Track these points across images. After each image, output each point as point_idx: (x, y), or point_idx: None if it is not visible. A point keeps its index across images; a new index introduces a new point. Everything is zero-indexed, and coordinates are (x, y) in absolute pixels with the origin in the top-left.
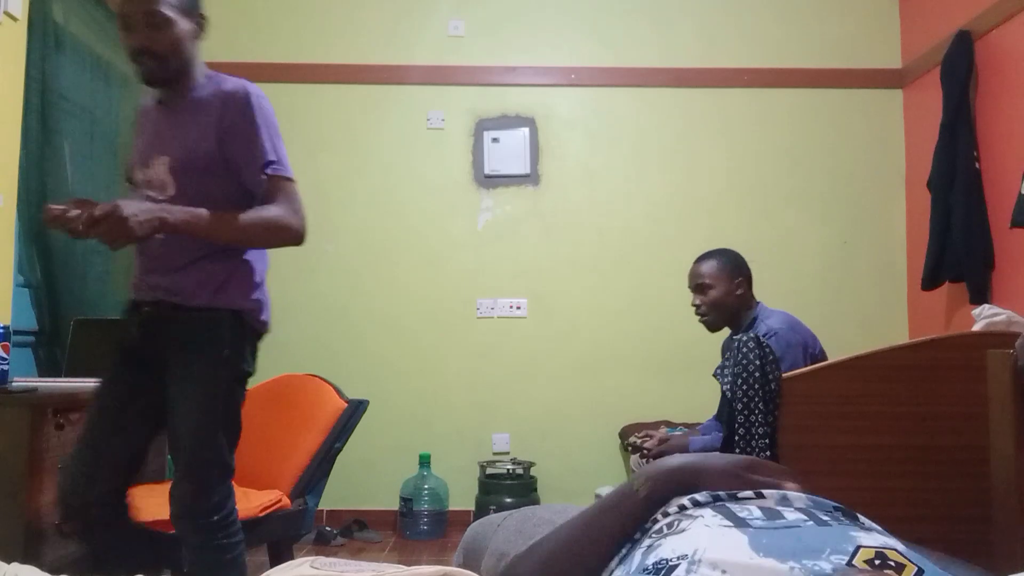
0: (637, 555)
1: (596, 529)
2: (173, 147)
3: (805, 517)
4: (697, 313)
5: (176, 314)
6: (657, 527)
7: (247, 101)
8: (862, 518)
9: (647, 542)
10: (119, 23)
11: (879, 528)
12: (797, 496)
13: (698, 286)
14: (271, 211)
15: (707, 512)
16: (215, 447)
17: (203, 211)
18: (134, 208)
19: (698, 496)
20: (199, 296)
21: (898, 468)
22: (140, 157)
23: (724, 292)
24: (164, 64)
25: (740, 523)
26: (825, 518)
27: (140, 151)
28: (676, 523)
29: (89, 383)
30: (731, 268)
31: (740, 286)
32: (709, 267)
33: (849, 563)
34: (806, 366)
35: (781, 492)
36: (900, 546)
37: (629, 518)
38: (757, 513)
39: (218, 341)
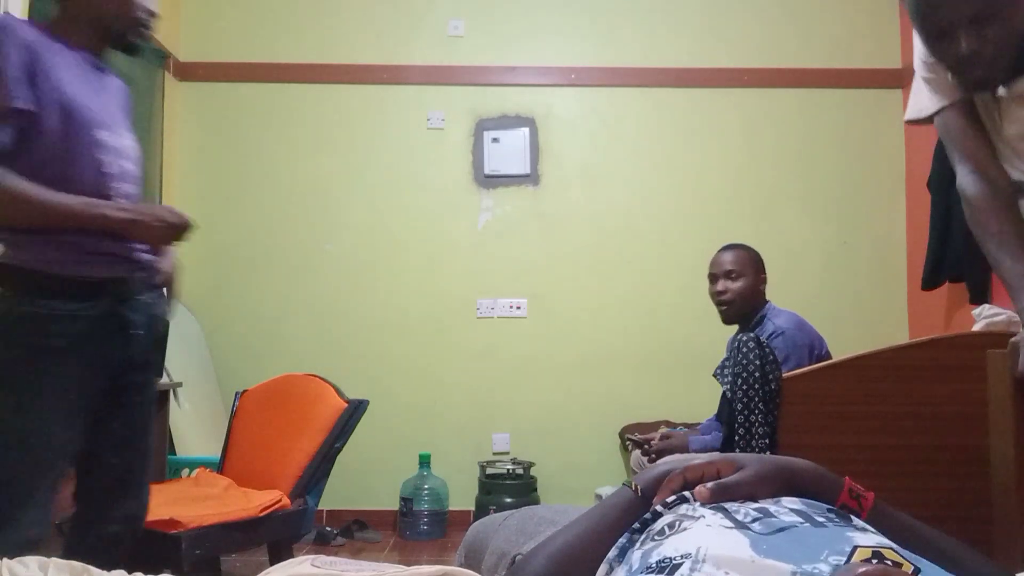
0: (636, 555)
1: (604, 527)
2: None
3: (801, 519)
4: (721, 301)
5: None
6: (658, 527)
7: None
8: (855, 519)
9: (650, 545)
10: None
11: (873, 529)
12: (791, 499)
13: (727, 272)
14: None
15: (707, 512)
16: None
17: None
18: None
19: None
20: None
21: (898, 468)
22: (105, 118)
23: (751, 284)
24: None
25: (740, 525)
26: (820, 520)
27: (102, 110)
28: (678, 523)
29: None
30: (757, 262)
31: (763, 282)
32: (739, 256)
33: (847, 562)
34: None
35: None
36: (896, 545)
37: (633, 517)
38: (754, 515)
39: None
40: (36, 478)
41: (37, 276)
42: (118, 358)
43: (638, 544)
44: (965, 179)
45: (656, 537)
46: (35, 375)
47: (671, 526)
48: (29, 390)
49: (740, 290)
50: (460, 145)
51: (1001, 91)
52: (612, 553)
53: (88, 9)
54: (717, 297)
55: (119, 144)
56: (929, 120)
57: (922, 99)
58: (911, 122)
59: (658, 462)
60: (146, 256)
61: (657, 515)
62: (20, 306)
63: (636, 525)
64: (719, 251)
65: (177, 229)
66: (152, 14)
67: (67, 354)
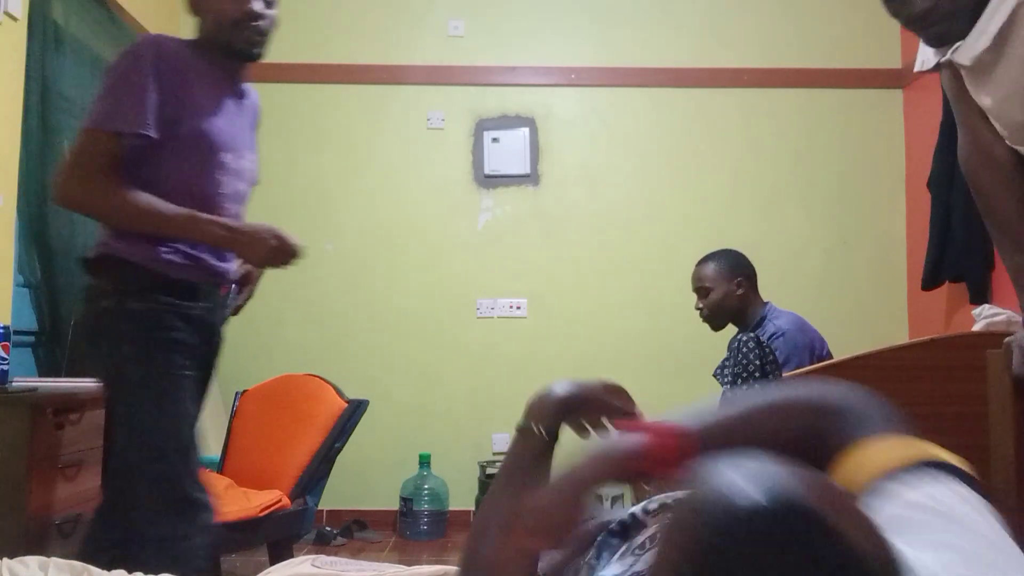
0: (614, 564)
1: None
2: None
3: None
4: (701, 317)
5: None
6: (639, 540)
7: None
8: None
9: (629, 559)
10: None
11: None
12: None
13: (698, 289)
14: None
15: None
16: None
17: None
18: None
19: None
20: None
21: None
22: (233, 141)
23: (723, 294)
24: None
25: None
26: None
27: (232, 134)
28: (659, 536)
29: (89, 383)
30: (729, 269)
31: (740, 286)
32: (707, 270)
33: None
34: None
35: None
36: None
37: (539, 455)
38: None
39: None
40: (194, 465)
41: (140, 271)
42: (203, 360)
43: (618, 555)
44: (961, 149)
45: (637, 551)
46: (164, 366)
47: (653, 539)
48: (164, 385)
49: (712, 304)
50: (460, 145)
51: (944, 57)
52: (590, 553)
53: (203, 26)
54: (699, 313)
55: (239, 166)
56: (935, 70)
57: (927, 51)
58: (919, 73)
59: (540, 392)
60: (230, 275)
61: (637, 521)
62: (129, 303)
63: (615, 527)
64: (695, 266)
65: (281, 253)
66: (252, 14)
67: (180, 345)
